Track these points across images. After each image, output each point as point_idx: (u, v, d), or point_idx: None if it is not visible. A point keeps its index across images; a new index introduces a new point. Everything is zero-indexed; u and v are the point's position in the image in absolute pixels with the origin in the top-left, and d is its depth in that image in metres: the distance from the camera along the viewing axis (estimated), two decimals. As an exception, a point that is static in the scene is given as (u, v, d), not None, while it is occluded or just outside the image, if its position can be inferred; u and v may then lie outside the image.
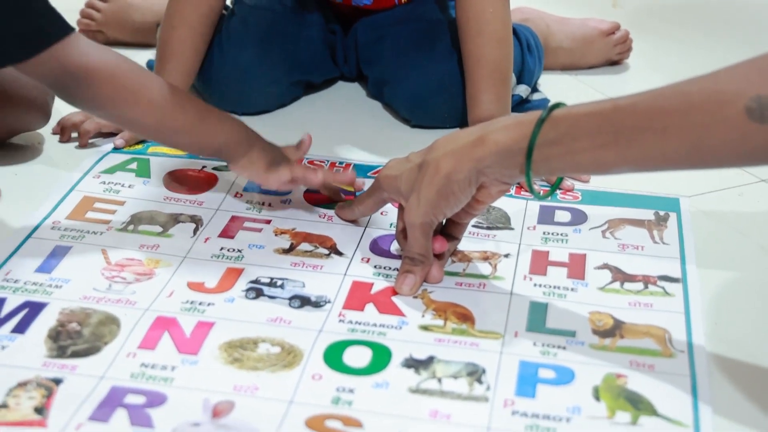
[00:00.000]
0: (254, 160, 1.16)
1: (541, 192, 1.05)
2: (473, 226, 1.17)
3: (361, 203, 1.18)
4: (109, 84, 1.11)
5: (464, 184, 1.01)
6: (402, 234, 1.09)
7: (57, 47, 1.07)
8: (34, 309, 1.03)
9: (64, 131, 1.37)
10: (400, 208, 1.09)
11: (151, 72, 1.19)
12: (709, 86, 0.88)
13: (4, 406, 0.90)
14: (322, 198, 1.25)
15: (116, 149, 1.34)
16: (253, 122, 1.38)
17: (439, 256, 1.09)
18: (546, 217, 1.23)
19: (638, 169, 0.94)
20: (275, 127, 1.43)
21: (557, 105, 0.97)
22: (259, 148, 1.17)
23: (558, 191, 1.18)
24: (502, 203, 1.22)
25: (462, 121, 1.40)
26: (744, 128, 0.84)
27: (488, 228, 1.20)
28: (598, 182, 1.31)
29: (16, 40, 1.07)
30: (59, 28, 1.09)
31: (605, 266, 1.14)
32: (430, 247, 1.07)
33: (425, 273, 1.08)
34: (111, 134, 1.36)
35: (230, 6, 1.49)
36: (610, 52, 1.64)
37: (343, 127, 1.43)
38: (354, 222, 1.20)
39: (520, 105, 1.46)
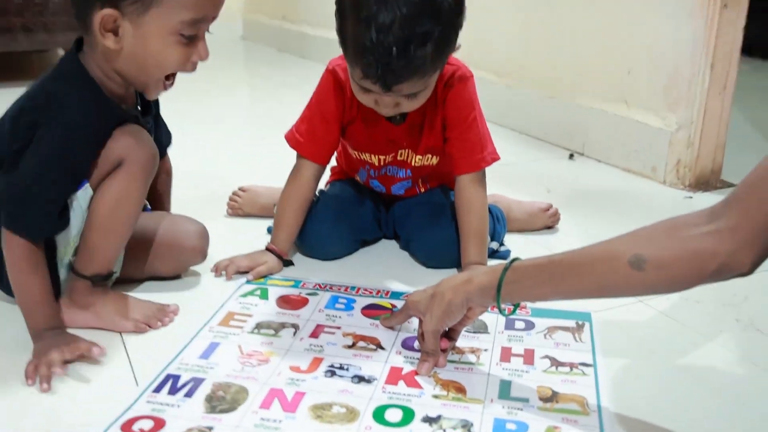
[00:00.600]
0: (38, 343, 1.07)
1: (507, 311, 1.04)
2: (465, 331, 1.14)
3: (396, 317, 1.15)
4: (8, 259, 1.08)
5: (459, 307, 1.01)
6: (421, 337, 1.06)
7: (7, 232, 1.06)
8: (197, 382, 1.01)
9: (217, 269, 1.34)
10: (420, 321, 1.07)
11: (34, 265, 1.08)
12: (606, 247, 0.88)
13: (177, 444, 0.88)
14: (372, 313, 1.22)
15: (248, 281, 1.31)
16: (331, 265, 1.40)
17: (444, 351, 1.07)
18: (509, 325, 1.19)
19: (565, 299, 0.97)
20: (345, 267, 1.41)
21: (515, 259, 0.97)
22: (44, 340, 1.07)
23: (517, 310, 1.15)
24: (483, 317, 1.19)
25: (457, 264, 1.37)
26: (629, 275, 0.82)
27: (474, 332, 1.16)
28: (540, 303, 1.26)
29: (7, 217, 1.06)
30: (21, 225, 1.06)
31: (546, 357, 1.10)
32: (438, 345, 1.05)
33: (435, 361, 1.05)
34: (245, 272, 1.33)
35: (317, 195, 1.47)
36: (547, 221, 1.61)
37: (385, 268, 1.41)
38: (392, 328, 1.17)
39: (493, 254, 1.43)
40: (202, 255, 1.31)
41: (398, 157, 1.40)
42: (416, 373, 1.05)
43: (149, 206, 1.35)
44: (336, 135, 1.39)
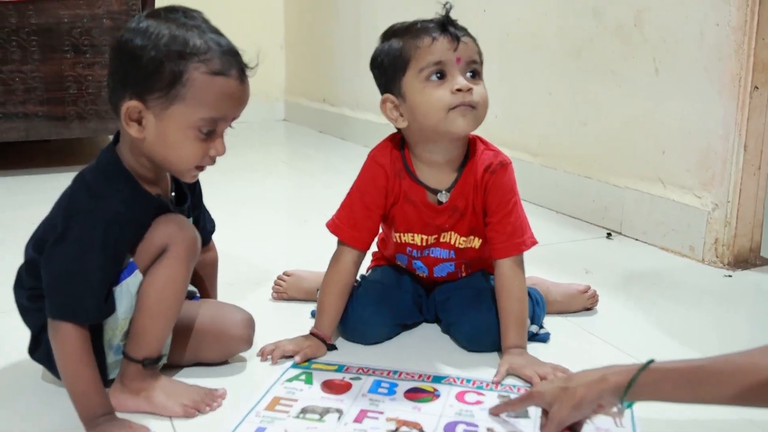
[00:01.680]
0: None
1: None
2: (506, 415, 1.16)
3: (513, 405, 1.16)
4: (56, 351, 1.12)
5: (590, 404, 1.04)
6: (544, 426, 1.08)
7: (58, 322, 1.11)
8: (245, 467, 1.04)
9: (263, 354, 1.37)
10: (544, 411, 1.09)
11: (82, 356, 1.11)
12: (749, 358, 0.91)
13: None
14: (415, 396, 1.23)
15: (293, 366, 1.34)
16: (373, 349, 1.42)
17: None
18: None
19: (700, 404, 0.97)
20: (387, 351, 1.43)
21: (651, 360, 0.99)
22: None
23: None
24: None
25: (498, 348, 1.38)
26: None
27: (515, 417, 1.17)
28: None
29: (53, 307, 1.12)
30: (73, 314, 1.11)
31: (587, 442, 1.11)
32: None
33: None
34: (291, 356, 1.36)
35: (359, 280, 1.50)
36: (585, 302, 1.62)
37: (426, 352, 1.42)
38: (497, 415, 1.17)
39: (533, 337, 1.44)
40: (248, 343, 1.34)
41: (441, 240, 1.44)
42: (459, 458, 1.06)
43: (198, 294, 1.40)
44: (376, 222, 1.43)
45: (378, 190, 1.40)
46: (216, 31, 1.15)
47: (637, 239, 2.15)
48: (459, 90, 1.28)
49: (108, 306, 1.15)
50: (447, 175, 1.39)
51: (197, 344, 1.30)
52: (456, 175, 1.39)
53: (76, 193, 1.17)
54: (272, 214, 2.49)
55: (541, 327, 1.49)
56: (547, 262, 1.85)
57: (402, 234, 1.45)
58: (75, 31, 2.84)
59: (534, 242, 1.41)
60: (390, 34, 1.35)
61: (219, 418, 1.17)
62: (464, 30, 1.33)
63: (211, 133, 1.14)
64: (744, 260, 1.96)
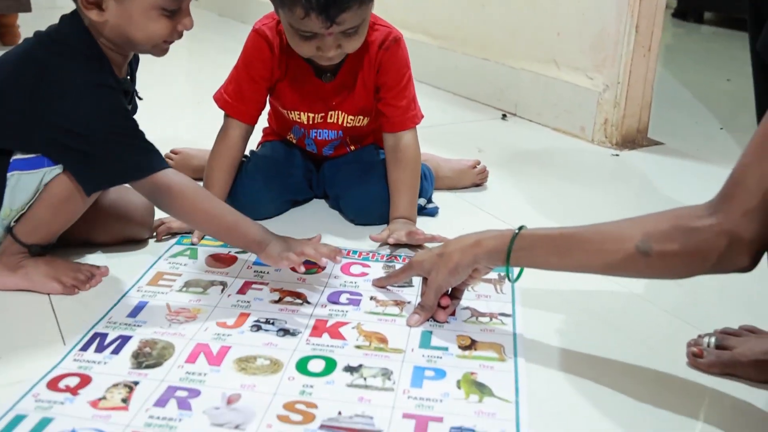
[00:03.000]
0: (270, 251, 1.12)
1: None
2: (397, 287, 1.18)
3: (396, 276, 1.16)
4: (180, 198, 1.11)
5: (465, 268, 1.04)
6: (423, 293, 1.10)
7: (156, 174, 1.10)
8: (124, 340, 1.02)
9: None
10: (424, 279, 1.10)
11: (206, 192, 1.17)
12: (616, 228, 0.93)
13: (104, 398, 0.90)
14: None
15: (179, 241, 1.31)
16: (263, 223, 1.39)
17: (444, 308, 1.09)
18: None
19: (570, 271, 0.98)
20: (276, 226, 1.38)
21: (522, 227, 1.01)
22: (274, 244, 1.12)
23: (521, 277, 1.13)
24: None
25: (386, 220, 1.38)
26: (635, 258, 0.88)
27: (399, 286, 1.19)
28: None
29: (133, 167, 1.10)
30: (160, 162, 1.11)
31: (467, 308, 1.13)
32: (436, 302, 1.08)
33: (428, 316, 1.08)
34: (176, 233, 1.34)
35: (248, 155, 1.48)
36: (475, 178, 1.63)
37: (314, 225, 1.41)
38: (382, 287, 1.18)
39: (421, 210, 1.45)
40: (148, 230, 1.32)
41: (329, 120, 1.41)
42: (340, 325, 1.07)
43: None
44: (263, 95, 1.39)
45: (263, 63, 1.36)
46: None
47: (531, 120, 2.17)
48: (323, 55, 1.25)
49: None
50: None
51: (94, 224, 1.25)
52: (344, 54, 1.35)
53: (67, 68, 1.10)
54: (167, 96, 2.40)
55: (430, 201, 1.50)
56: (441, 141, 1.85)
57: (288, 111, 1.42)
58: None
59: (422, 116, 1.40)
60: None
61: (100, 295, 1.14)
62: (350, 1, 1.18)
63: (175, 11, 1.10)
64: (631, 140, 2.00)
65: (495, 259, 1.01)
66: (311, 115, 1.41)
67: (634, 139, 2.01)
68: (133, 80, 1.25)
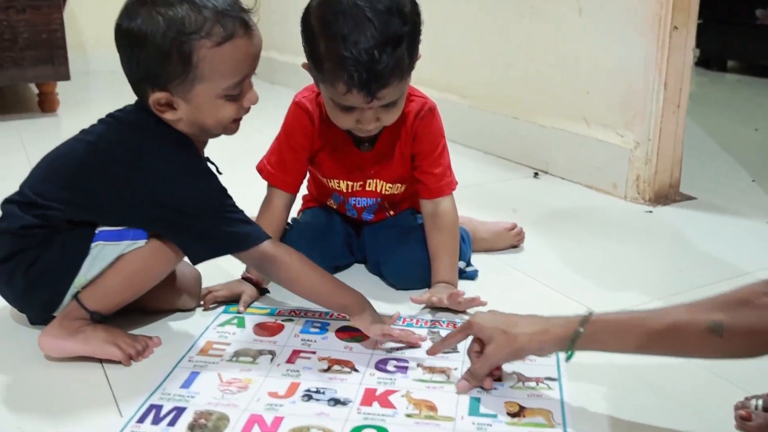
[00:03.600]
0: (365, 317, 1.20)
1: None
2: (443, 353, 1.19)
3: (452, 338, 1.17)
4: (285, 268, 1.20)
5: (529, 353, 1.09)
6: (475, 356, 1.11)
7: (262, 245, 1.18)
8: (179, 411, 1.04)
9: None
10: (477, 340, 1.11)
11: (307, 259, 1.23)
12: (686, 312, 0.94)
13: (162, 471, 0.91)
14: (346, 335, 1.25)
15: (226, 310, 1.34)
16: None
17: (492, 377, 1.10)
18: (477, 343, 1.24)
19: (640, 355, 1.00)
20: None
21: (591, 313, 1.02)
22: (368, 312, 1.21)
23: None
24: (452, 336, 1.24)
25: (427, 284, 1.40)
26: (709, 340, 0.90)
27: (445, 352, 1.20)
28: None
29: (240, 239, 1.19)
30: (261, 234, 1.20)
31: (513, 372, 1.14)
32: (486, 374, 1.09)
33: (477, 385, 1.09)
34: (223, 302, 1.37)
35: (290, 223, 1.51)
36: (512, 240, 1.65)
37: (361, 292, 1.43)
38: (434, 354, 1.19)
39: (460, 274, 1.47)
40: (197, 299, 1.35)
41: (367, 188, 1.45)
42: (389, 394, 1.08)
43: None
44: (304, 165, 1.44)
45: (304, 134, 1.40)
46: None
47: (563, 178, 2.20)
48: (363, 128, 1.30)
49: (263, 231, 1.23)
50: None
51: (148, 293, 1.27)
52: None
53: (162, 154, 1.17)
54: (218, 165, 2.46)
55: (469, 264, 1.52)
56: (475, 201, 1.88)
57: (328, 180, 1.46)
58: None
59: (456, 182, 1.45)
60: (323, 14, 1.23)
61: (152, 365, 1.17)
62: (391, 74, 1.21)
63: (241, 93, 1.17)
64: (664, 196, 2.02)
65: (560, 346, 1.02)
66: (350, 183, 1.45)
67: (667, 195, 2.03)
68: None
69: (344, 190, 1.46)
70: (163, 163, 1.16)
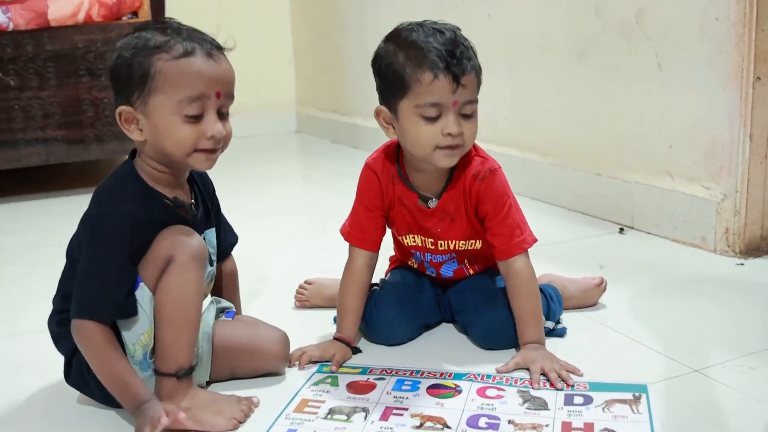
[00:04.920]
0: (138, 415, 1.15)
1: None
2: (526, 408, 1.21)
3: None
4: (86, 349, 1.17)
5: None
6: None
7: (82, 321, 1.17)
8: (278, 467, 1.08)
9: (291, 360, 1.40)
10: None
11: (118, 353, 1.18)
12: None
13: None
14: (437, 392, 1.28)
15: (320, 369, 1.38)
16: (396, 350, 1.47)
17: None
18: (569, 400, 1.24)
19: None
20: (410, 352, 1.47)
21: None
22: (151, 403, 1.15)
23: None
24: (542, 395, 1.26)
25: (515, 344, 1.43)
26: None
27: (535, 410, 1.21)
28: (595, 375, 1.32)
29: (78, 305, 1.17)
30: (98, 312, 1.16)
31: (605, 429, 1.14)
32: None
33: None
34: (317, 362, 1.41)
35: (379, 283, 1.56)
36: (601, 295, 1.65)
37: (446, 351, 1.47)
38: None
39: (550, 333, 1.48)
40: (285, 361, 1.38)
41: (439, 248, 1.49)
42: (482, 450, 1.10)
43: (233, 309, 1.43)
44: (380, 222, 1.49)
45: (374, 193, 1.47)
46: (191, 31, 1.22)
47: (649, 233, 2.18)
48: (449, 134, 1.33)
49: (128, 305, 1.17)
50: (437, 181, 1.44)
51: (235, 362, 1.34)
52: (445, 181, 1.43)
53: (92, 203, 1.22)
54: (290, 224, 2.54)
55: (558, 322, 1.53)
56: (561, 259, 1.89)
57: (404, 237, 1.51)
58: (89, 55, 2.90)
59: (534, 240, 1.45)
60: (396, 40, 1.35)
61: (250, 424, 1.21)
62: (468, 62, 1.32)
63: (198, 116, 1.18)
64: (755, 248, 1.99)
65: None
66: (423, 238, 1.49)
67: (759, 247, 1.99)
68: (202, 201, 1.33)
69: (420, 245, 1.50)
70: (101, 205, 1.20)
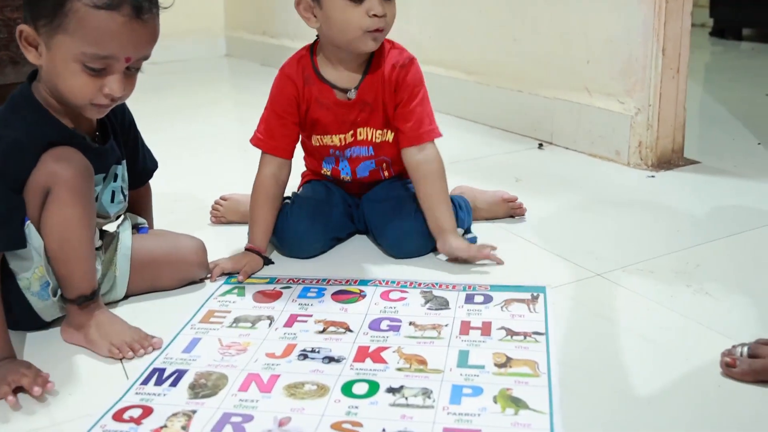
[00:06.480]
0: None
1: None
2: (428, 308, 1.25)
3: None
4: None
5: None
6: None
7: None
8: (181, 373, 1.09)
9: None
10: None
11: None
12: None
13: (165, 426, 0.97)
14: (341, 297, 1.31)
15: (227, 281, 1.39)
16: (308, 262, 1.48)
17: None
18: (469, 299, 1.28)
19: None
20: (321, 263, 1.49)
21: None
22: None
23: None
24: (444, 294, 1.30)
25: (423, 252, 1.46)
26: None
27: (436, 309, 1.25)
28: (499, 278, 1.37)
29: None
30: None
31: (502, 327, 1.18)
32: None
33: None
34: (229, 274, 1.41)
35: (290, 197, 1.56)
36: (511, 211, 1.68)
37: (357, 261, 1.49)
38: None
39: (459, 241, 1.51)
40: (204, 269, 1.39)
41: (358, 137, 1.50)
42: (381, 350, 1.13)
43: (146, 225, 1.42)
44: (292, 129, 1.49)
45: (287, 99, 1.47)
46: None
47: (567, 148, 2.22)
48: (375, 15, 1.34)
49: (17, 238, 1.12)
50: (354, 73, 1.46)
51: (156, 274, 1.34)
52: (363, 72, 1.45)
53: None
54: (214, 146, 2.51)
55: (468, 231, 1.56)
56: (480, 173, 1.91)
57: (321, 137, 1.51)
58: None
59: (439, 134, 1.48)
60: None
61: (157, 334, 1.20)
62: None
63: (102, 71, 1.10)
64: (667, 161, 2.04)
65: None
66: (342, 136, 1.50)
67: (670, 160, 2.05)
68: (112, 131, 1.26)
69: (338, 144, 1.50)
70: None
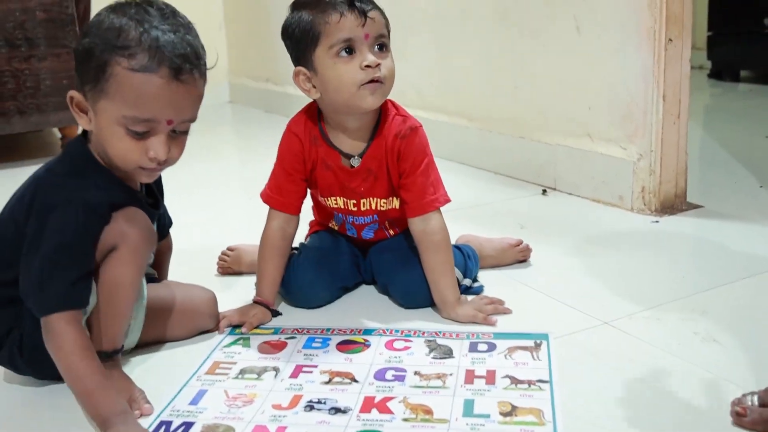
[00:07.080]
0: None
1: None
2: (432, 358, 1.26)
3: None
4: (56, 348, 1.09)
5: None
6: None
7: (52, 316, 1.09)
8: (188, 426, 1.10)
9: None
10: None
11: (91, 353, 1.10)
12: None
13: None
14: (346, 347, 1.32)
15: (232, 332, 1.41)
16: (315, 312, 1.50)
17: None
18: (473, 348, 1.29)
19: None
20: (328, 313, 1.50)
21: None
22: (119, 427, 1.06)
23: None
24: (448, 343, 1.31)
25: (432, 303, 1.47)
26: None
27: (440, 358, 1.26)
28: (503, 326, 1.38)
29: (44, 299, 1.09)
30: (67, 302, 1.09)
31: (507, 376, 1.19)
32: None
33: None
34: (237, 326, 1.43)
35: (298, 247, 1.58)
36: (517, 255, 1.70)
37: (365, 310, 1.50)
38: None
39: (467, 291, 1.52)
40: (215, 319, 1.41)
41: (362, 207, 1.51)
42: (387, 400, 1.14)
43: (156, 275, 1.44)
44: (300, 185, 1.50)
45: (294, 156, 1.48)
46: (175, 26, 1.11)
47: (570, 193, 2.25)
48: (368, 66, 1.34)
49: (89, 296, 1.13)
50: (360, 140, 1.46)
51: (168, 324, 1.35)
52: (368, 140, 1.46)
53: (47, 188, 1.14)
54: (218, 194, 2.54)
55: (475, 280, 1.57)
56: (483, 220, 1.93)
57: (326, 198, 1.53)
58: (8, 25, 2.84)
59: (447, 200, 1.48)
60: (300, 4, 1.39)
61: (164, 385, 1.23)
62: (371, 3, 1.36)
63: (145, 134, 1.11)
64: (670, 206, 2.06)
65: None
66: (346, 200, 1.51)
67: (673, 205, 2.07)
68: (155, 192, 1.31)
69: (342, 207, 1.52)
70: (55, 193, 1.12)
